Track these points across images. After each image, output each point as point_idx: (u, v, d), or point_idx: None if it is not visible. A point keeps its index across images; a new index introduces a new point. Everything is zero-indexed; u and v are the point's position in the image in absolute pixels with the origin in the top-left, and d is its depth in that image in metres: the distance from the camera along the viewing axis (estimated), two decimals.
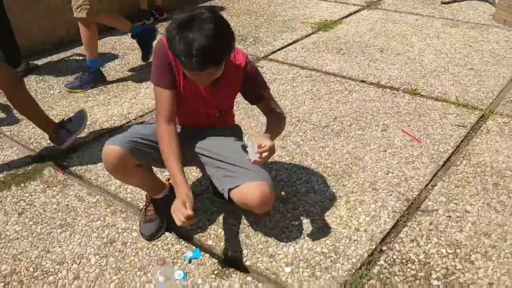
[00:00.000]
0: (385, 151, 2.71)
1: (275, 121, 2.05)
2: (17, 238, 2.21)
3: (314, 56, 4.07)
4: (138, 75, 3.90)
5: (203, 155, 2.03)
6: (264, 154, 1.78)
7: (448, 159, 2.62)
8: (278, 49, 4.28)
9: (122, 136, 1.94)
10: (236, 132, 2.17)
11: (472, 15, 4.91)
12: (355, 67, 3.82)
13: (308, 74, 3.75)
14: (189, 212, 1.69)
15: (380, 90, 3.43)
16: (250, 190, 1.81)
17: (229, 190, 1.86)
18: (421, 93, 3.34)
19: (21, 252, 2.13)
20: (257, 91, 2.02)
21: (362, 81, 3.58)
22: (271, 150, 1.79)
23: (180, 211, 1.69)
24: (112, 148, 1.86)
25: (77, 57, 4.33)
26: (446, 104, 3.18)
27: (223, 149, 1.98)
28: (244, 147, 1.93)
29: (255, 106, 2.09)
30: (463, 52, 4.00)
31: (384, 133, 2.89)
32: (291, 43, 4.40)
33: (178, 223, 1.70)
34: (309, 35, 4.60)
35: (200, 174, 2.53)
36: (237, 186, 1.83)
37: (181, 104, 1.94)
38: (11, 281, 1.98)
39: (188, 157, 2.02)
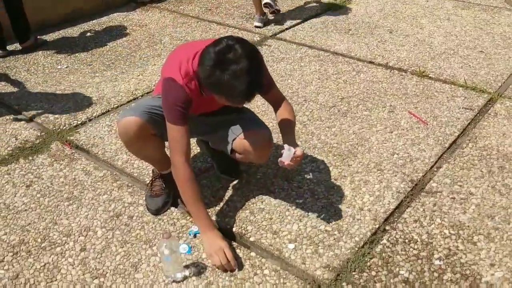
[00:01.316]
0: (391, 132, 2.71)
1: (287, 116, 2.05)
2: (25, 210, 2.24)
3: (322, 36, 4.04)
4: (146, 52, 3.89)
5: (210, 124, 2.12)
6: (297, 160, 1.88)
7: (454, 141, 2.61)
8: (287, 28, 4.25)
9: (134, 108, 1.98)
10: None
11: None
12: (364, 48, 3.79)
13: (316, 53, 3.73)
14: (233, 267, 1.87)
15: (388, 72, 3.41)
16: (250, 136, 1.99)
17: (233, 142, 2.04)
18: (430, 75, 3.32)
19: (29, 223, 2.16)
20: (266, 82, 2.03)
21: (370, 62, 3.56)
22: (302, 157, 1.90)
23: (222, 258, 1.85)
24: (130, 118, 1.91)
25: (86, 33, 4.33)
26: (454, 87, 3.16)
27: (225, 116, 2.11)
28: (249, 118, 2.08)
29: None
30: (474, 34, 3.96)
31: (390, 114, 2.88)
32: (300, 22, 4.37)
33: (217, 264, 1.87)
34: (318, 14, 4.56)
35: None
36: (238, 136, 2.03)
37: (193, 110, 1.96)
38: (20, 251, 2.02)
39: (196, 129, 2.09)
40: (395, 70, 3.42)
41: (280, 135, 2.03)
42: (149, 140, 1.99)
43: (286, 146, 1.88)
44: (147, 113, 1.94)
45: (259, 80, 1.70)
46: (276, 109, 2.09)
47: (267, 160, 2.11)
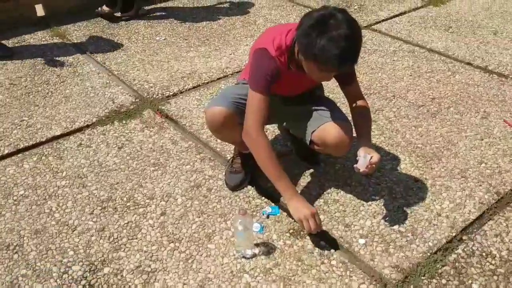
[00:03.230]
0: (482, 139, 2.59)
1: (365, 118, 2.04)
2: (115, 170, 2.42)
3: (420, 31, 3.90)
4: (240, 31, 3.97)
5: (289, 114, 2.15)
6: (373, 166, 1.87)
7: None
8: (383, 20, 4.14)
9: (223, 97, 2.05)
10: (318, 91, 2.25)
11: None
12: (463, 48, 3.61)
13: (410, 49, 3.61)
14: (321, 227, 1.91)
15: (487, 75, 3.23)
16: (329, 129, 1.98)
17: (312, 133, 2.03)
18: None
19: (118, 183, 2.33)
20: (349, 75, 2.02)
21: (468, 64, 3.38)
22: (379, 162, 1.88)
23: (312, 223, 1.85)
24: (219, 109, 1.98)
25: (185, 8, 4.49)
26: None
27: (309, 101, 2.12)
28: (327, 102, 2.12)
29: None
30: None
31: (483, 121, 2.74)
32: (398, 15, 4.24)
33: (307, 229, 1.87)
34: (418, 8, 4.38)
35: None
36: (317, 128, 2.02)
37: (277, 87, 1.97)
38: (107, 207, 2.19)
39: (278, 115, 2.14)
40: (494, 75, 3.23)
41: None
42: (235, 128, 2.04)
43: (361, 153, 1.86)
44: (233, 103, 1.99)
45: (355, 50, 1.68)
46: (352, 106, 2.06)
47: (346, 153, 2.11)
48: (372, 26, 4.00)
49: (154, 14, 4.34)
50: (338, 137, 1.97)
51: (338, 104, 2.16)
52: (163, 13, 4.37)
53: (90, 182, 2.33)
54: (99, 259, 1.93)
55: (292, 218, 2.10)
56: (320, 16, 1.66)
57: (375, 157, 1.85)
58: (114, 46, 3.73)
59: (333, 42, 1.61)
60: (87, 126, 2.76)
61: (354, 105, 2.06)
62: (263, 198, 2.22)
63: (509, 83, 3.12)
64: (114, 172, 2.41)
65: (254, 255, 1.92)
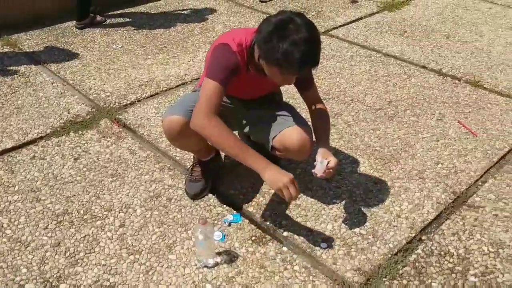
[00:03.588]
0: (438, 141, 2.65)
1: (324, 121, 2.05)
2: (71, 182, 2.34)
3: (376, 36, 3.98)
4: (198, 38, 3.94)
5: (250, 119, 2.12)
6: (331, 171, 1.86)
7: (504, 157, 2.52)
8: (340, 26, 4.20)
9: (179, 105, 2.00)
10: (278, 96, 2.26)
11: None
12: (418, 52, 3.70)
13: (367, 54, 3.67)
14: (299, 192, 1.80)
15: (441, 78, 3.32)
16: (290, 134, 1.96)
17: (273, 139, 2.01)
18: (484, 86, 3.21)
19: (74, 195, 2.26)
20: (307, 80, 2.03)
21: (423, 67, 3.47)
22: (336, 167, 1.87)
23: (292, 189, 1.74)
24: (176, 117, 1.93)
25: (143, 15, 4.43)
26: (509, 100, 3.04)
27: (269, 106, 2.11)
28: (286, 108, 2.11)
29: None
30: None
31: (439, 122, 2.81)
32: (354, 21, 4.31)
33: (288, 197, 1.75)
34: (374, 13, 4.48)
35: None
36: (279, 133, 1.99)
37: (236, 89, 1.97)
38: (63, 221, 2.11)
39: (237, 122, 2.11)
40: (448, 77, 3.32)
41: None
42: (193, 137, 1.98)
43: (318, 157, 1.87)
44: (191, 111, 1.92)
45: (316, 52, 1.69)
46: (312, 110, 2.07)
47: (308, 157, 2.11)
48: (330, 32, 4.05)
49: (111, 22, 4.26)
50: (299, 142, 1.96)
51: (297, 109, 2.17)
52: (120, 21, 4.29)
53: (45, 196, 2.25)
54: (55, 276, 1.85)
55: (254, 225, 2.08)
56: (279, 21, 1.66)
57: (333, 161, 1.85)
58: (69, 55, 3.63)
59: (294, 46, 1.62)
60: (41, 137, 2.67)
61: (313, 109, 2.07)
62: (225, 206, 2.20)
63: (462, 86, 3.22)
64: (70, 184, 2.33)
65: (216, 264, 1.89)
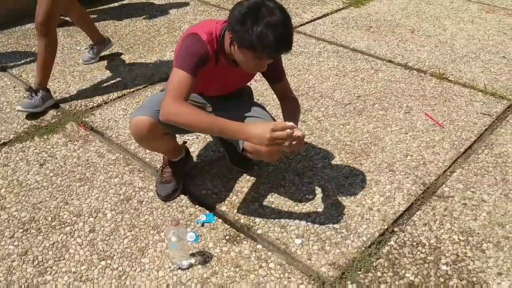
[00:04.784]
0: (406, 133, 2.69)
1: (294, 110, 2.03)
2: (38, 188, 2.27)
3: (342, 32, 4.01)
4: (165, 38, 3.89)
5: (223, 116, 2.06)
6: (294, 142, 1.75)
7: (470, 147, 2.58)
8: (307, 22, 4.22)
9: (148, 106, 1.96)
10: (248, 92, 2.24)
11: (511, 1, 4.74)
12: (384, 46, 3.75)
13: (335, 49, 3.70)
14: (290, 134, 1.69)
15: (407, 72, 3.37)
16: None
17: (244, 141, 1.92)
18: (449, 78, 3.28)
19: (41, 202, 2.19)
20: (278, 71, 2.03)
21: (390, 61, 3.52)
22: (303, 139, 1.77)
23: (282, 134, 1.66)
24: (143, 118, 1.89)
25: (107, 15, 4.34)
26: (473, 91, 3.11)
27: (238, 107, 2.06)
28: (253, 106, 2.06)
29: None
30: (497, 39, 3.89)
31: (407, 115, 2.85)
32: (321, 17, 4.34)
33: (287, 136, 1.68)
34: (340, 9, 4.51)
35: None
36: None
37: (205, 84, 1.94)
38: (30, 228, 2.05)
39: None
40: (414, 71, 3.38)
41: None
42: (161, 138, 1.97)
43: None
44: (158, 112, 1.87)
45: (290, 35, 1.68)
46: (283, 102, 2.07)
47: (279, 159, 2.09)
48: (297, 29, 4.06)
49: (73, 23, 4.15)
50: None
51: (268, 108, 2.16)
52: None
53: (9, 204, 2.17)
54: (23, 286, 1.79)
55: (228, 224, 2.06)
56: (252, 4, 1.65)
57: (298, 131, 1.74)
58: (31, 58, 3.52)
59: (269, 29, 1.61)
60: (4, 143, 2.58)
61: (284, 100, 2.06)
62: (197, 206, 2.17)
63: (428, 78, 3.28)
64: (36, 190, 2.26)
65: (191, 266, 1.86)
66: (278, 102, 2.12)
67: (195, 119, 1.73)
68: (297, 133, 1.73)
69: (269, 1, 1.67)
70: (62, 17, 4.11)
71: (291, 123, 1.72)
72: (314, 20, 4.27)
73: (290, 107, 2.03)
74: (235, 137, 1.77)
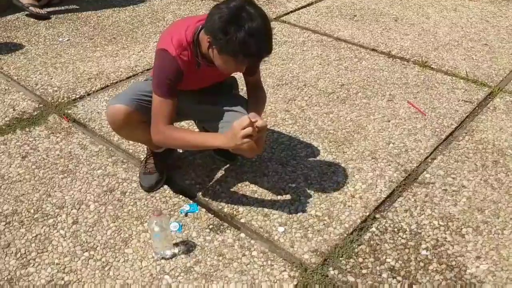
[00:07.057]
0: (389, 121, 2.71)
1: (260, 103, 2.04)
2: (20, 181, 2.26)
3: (326, 21, 4.01)
4: (148, 28, 3.86)
5: (202, 110, 2.09)
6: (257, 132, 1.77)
7: (451, 133, 2.61)
8: (291, 11, 4.21)
9: (125, 94, 1.96)
10: (232, 83, 2.22)
11: None
12: (368, 35, 3.76)
13: (319, 38, 3.70)
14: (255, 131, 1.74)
15: (390, 60, 3.39)
16: None
17: None
18: (431, 66, 3.30)
19: (23, 194, 2.18)
20: (255, 67, 2.02)
21: (373, 50, 3.53)
22: (265, 128, 1.80)
23: (250, 131, 1.70)
24: (118, 107, 1.89)
25: (89, 6, 4.29)
26: (455, 79, 3.14)
27: (217, 101, 2.06)
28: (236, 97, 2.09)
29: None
30: (479, 27, 3.92)
31: (389, 103, 2.87)
32: (305, 6, 4.33)
33: (251, 146, 1.76)
34: None
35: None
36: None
37: (187, 84, 1.92)
38: (12, 221, 2.04)
39: (187, 111, 2.07)
40: (397, 59, 3.40)
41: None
42: (138, 126, 1.97)
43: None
44: (136, 100, 1.91)
45: (270, 41, 1.69)
46: (250, 93, 2.07)
47: (261, 153, 2.09)
48: (281, 18, 4.06)
49: (56, 14, 4.11)
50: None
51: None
52: (65, 12, 4.14)
53: None
54: (5, 278, 1.79)
55: (211, 213, 2.07)
56: (233, 9, 1.62)
57: (260, 121, 1.75)
58: (12, 49, 3.48)
59: (252, 37, 1.60)
60: None
61: (251, 93, 2.07)
62: (181, 196, 2.17)
63: (411, 66, 3.30)
64: (18, 183, 2.24)
65: (174, 255, 1.87)
66: None
67: (180, 144, 2.01)
68: (258, 123, 1.74)
69: (248, 4, 1.64)
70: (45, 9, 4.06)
71: (252, 114, 1.77)
72: (299, 9, 4.26)
73: (254, 100, 2.04)
74: (216, 147, 1.89)
